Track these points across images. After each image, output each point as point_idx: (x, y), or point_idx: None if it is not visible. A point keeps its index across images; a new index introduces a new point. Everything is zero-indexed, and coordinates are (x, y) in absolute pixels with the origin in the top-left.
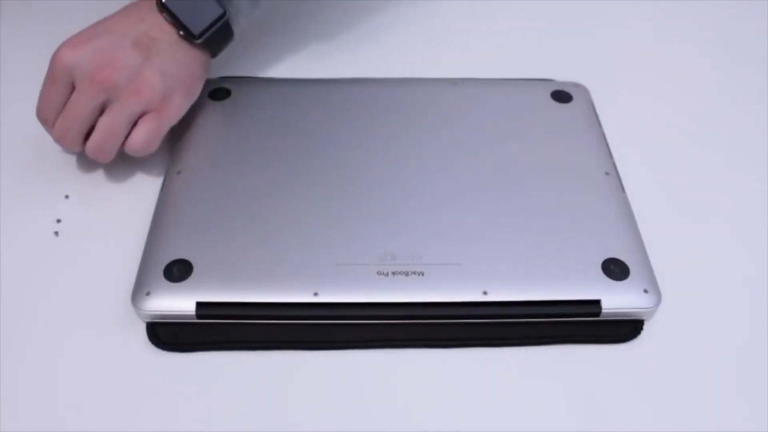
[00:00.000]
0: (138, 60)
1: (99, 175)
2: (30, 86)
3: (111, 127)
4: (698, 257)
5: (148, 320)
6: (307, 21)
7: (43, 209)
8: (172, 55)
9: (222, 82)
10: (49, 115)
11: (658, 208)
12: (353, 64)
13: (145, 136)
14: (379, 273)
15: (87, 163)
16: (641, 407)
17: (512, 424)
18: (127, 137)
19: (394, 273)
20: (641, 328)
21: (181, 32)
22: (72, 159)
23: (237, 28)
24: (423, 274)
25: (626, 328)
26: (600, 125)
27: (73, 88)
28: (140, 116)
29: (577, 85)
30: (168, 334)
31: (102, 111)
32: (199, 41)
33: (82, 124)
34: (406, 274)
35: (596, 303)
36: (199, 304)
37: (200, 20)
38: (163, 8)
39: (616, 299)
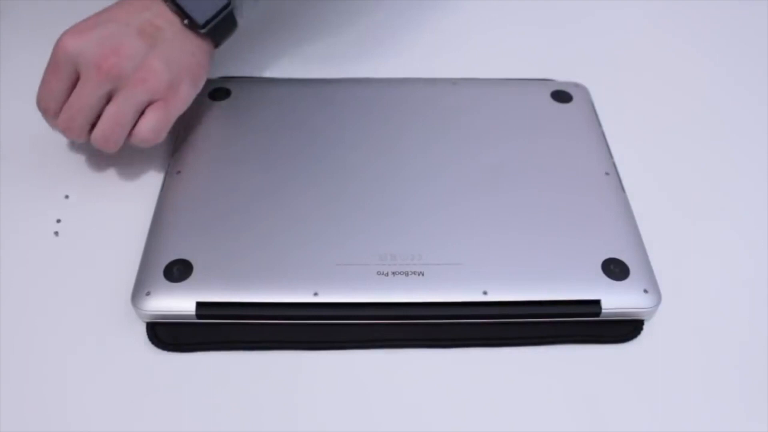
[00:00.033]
0: (143, 48)
1: (99, 175)
2: (30, 86)
3: (118, 116)
4: (698, 257)
5: (148, 320)
6: (307, 21)
7: (43, 209)
8: (177, 44)
9: (222, 82)
10: (50, 104)
11: (658, 208)
12: (353, 64)
13: (153, 126)
14: (379, 273)
15: (87, 163)
16: (641, 407)
17: (512, 424)
18: (133, 127)
19: (394, 273)
20: (641, 328)
21: (186, 21)
22: (72, 159)
23: (241, 19)
24: (423, 274)
25: (626, 328)
26: (600, 125)
27: (76, 77)
28: (146, 105)
29: (577, 85)
30: (168, 334)
31: (107, 100)
32: (203, 31)
33: (88, 113)
34: (406, 274)
35: (596, 303)
36: (199, 304)
37: (205, 10)
38: None
39: (616, 299)
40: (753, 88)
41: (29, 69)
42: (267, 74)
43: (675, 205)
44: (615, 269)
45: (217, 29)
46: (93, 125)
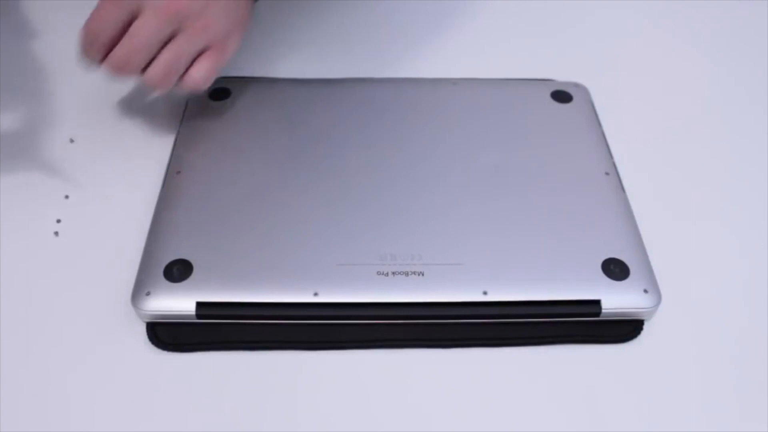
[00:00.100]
0: None
1: (99, 175)
2: (30, 86)
3: (178, 56)
4: (698, 257)
5: (148, 320)
6: (307, 21)
7: (43, 209)
8: None
9: (222, 82)
10: (100, 35)
11: (658, 208)
12: (353, 64)
13: (204, 73)
14: (379, 273)
15: (87, 163)
16: (641, 407)
17: (512, 424)
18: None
19: (394, 273)
20: (641, 328)
21: None
22: (72, 159)
23: None
24: (423, 274)
25: (626, 328)
26: (600, 125)
27: (132, 15)
28: (200, 53)
29: (577, 85)
30: (168, 334)
31: (165, 42)
32: None
33: (148, 51)
34: (406, 274)
35: (596, 303)
36: (199, 304)
37: None
38: None
39: (616, 299)
40: (753, 88)
41: (29, 69)
42: (267, 74)
43: (675, 205)
44: (615, 269)
45: None
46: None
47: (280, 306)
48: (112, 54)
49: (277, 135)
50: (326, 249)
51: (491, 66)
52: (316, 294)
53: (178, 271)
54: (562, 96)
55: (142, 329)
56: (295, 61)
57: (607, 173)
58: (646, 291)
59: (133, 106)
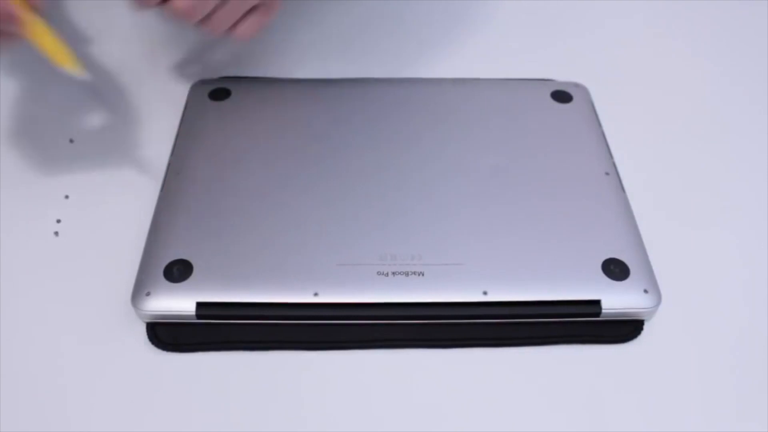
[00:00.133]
0: None
1: (99, 175)
2: (30, 86)
3: (236, 8)
4: (698, 257)
5: (148, 320)
6: (307, 21)
7: (43, 209)
8: None
9: (222, 82)
10: None
11: (658, 208)
12: (353, 64)
13: (254, 28)
14: (379, 273)
15: (87, 163)
16: (641, 407)
17: (512, 424)
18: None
19: (394, 273)
20: (641, 328)
21: None
22: (72, 159)
23: None
24: (423, 275)
25: (626, 328)
26: (600, 125)
27: None
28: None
29: (577, 85)
30: (168, 335)
31: None
32: None
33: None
34: (407, 274)
35: (596, 303)
36: (199, 305)
37: None
38: None
39: (616, 299)
40: (753, 88)
41: (29, 69)
42: (267, 74)
43: (675, 205)
44: (615, 269)
45: None
46: None
47: (280, 306)
48: None
49: (277, 135)
50: (326, 249)
51: (491, 66)
52: (316, 294)
53: (178, 271)
54: (562, 96)
55: (142, 329)
56: (295, 61)
57: (607, 173)
58: (646, 291)
59: (133, 106)
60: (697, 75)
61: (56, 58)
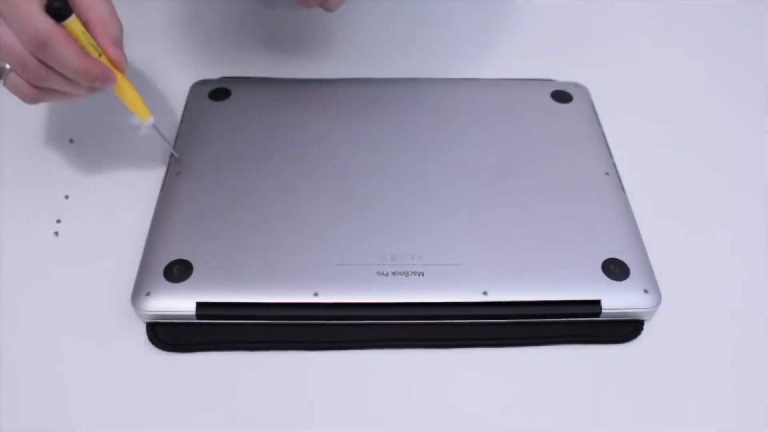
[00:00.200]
0: None
1: (99, 175)
2: None
3: None
4: (698, 257)
5: (148, 320)
6: (307, 21)
7: (43, 209)
8: None
9: (222, 82)
10: None
11: (658, 208)
12: (353, 64)
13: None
14: (379, 273)
15: (87, 163)
16: (641, 407)
17: (512, 424)
18: None
19: (394, 273)
20: (641, 328)
21: None
22: (72, 159)
23: None
24: (423, 275)
25: (626, 328)
26: (600, 125)
27: None
28: None
29: (577, 85)
30: (168, 335)
31: None
32: None
33: None
34: (406, 274)
35: (596, 303)
36: (199, 305)
37: None
38: None
39: (616, 299)
40: (753, 88)
41: None
42: (267, 74)
43: (675, 205)
44: (615, 269)
45: None
46: None
47: (280, 306)
48: None
49: (277, 135)
50: (326, 249)
51: (491, 66)
52: (316, 294)
53: (178, 272)
54: (562, 96)
55: (142, 329)
56: (295, 61)
57: (607, 173)
58: (646, 291)
59: None
60: (697, 75)
61: (135, 111)
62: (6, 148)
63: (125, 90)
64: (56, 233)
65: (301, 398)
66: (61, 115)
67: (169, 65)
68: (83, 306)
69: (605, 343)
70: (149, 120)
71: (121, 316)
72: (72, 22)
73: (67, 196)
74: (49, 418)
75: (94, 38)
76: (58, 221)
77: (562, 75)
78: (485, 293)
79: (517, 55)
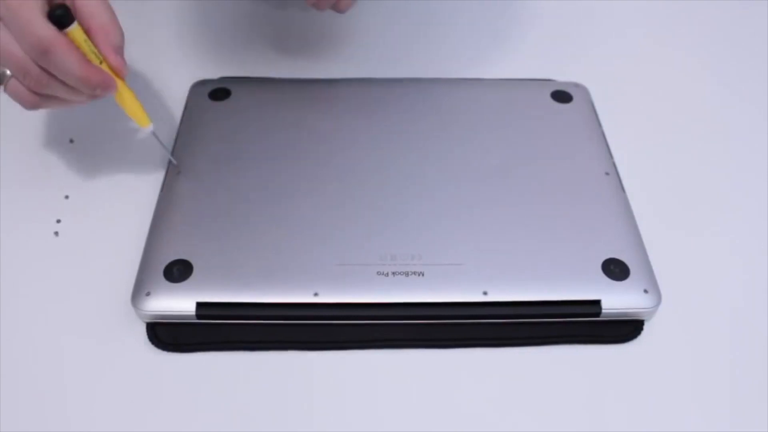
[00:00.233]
0: None
1: (99, 175)
2: None
3: None
4: (698, 257)
5: (148, 320)
6: (307, 21)
7: (43, 209)
8: None
9: (222, 82)
10: None
11: (658, 208)
12: (353, 64)
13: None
14: (379, 273)
15: (87, 163)
16: (641, 407)
17: (512, 424)
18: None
19: (394, 273)
20: (641, 328)
21: None
22: (72, 159)
23: None
24: (423, 275)
25: (626, 328)
26: (600, 125)
27: None
28: None
29: (577, 85)
30: (168, 335)
31: None
32: None
33: None
34: (406, 274)
35: (596, 303)
36: (199, 305)
37: None
38: None
39: (616, 299)
40: (753, 88)
41: None
42: (267, 74)
43: (675, 205)
44: (615, 269)
45: None
46: None
47: (281, 306)
48: None
49: (277, 135)
50: (326, 249)
51: (491, 66)
52: (316, 294)
53: (178, 272)
54: (562, 96)
55: (142, 329)
56: (295, 61)
57: (607, 173)
58: (646, 291)
59: None
60: (697, 75)
61: (135, 118)
62: (6, 148)
63: (125, 97)
64: (56, 233)
65: (301, 398)
66: (61, 116)
67: (169, 65)
68: (83, 306)
69: (605, 343)
70: (149, 127)
71: (121, 316)
72: (74, 29)
73: (67, 196)
74: (49, 418)
75: (96, 45)
76: (58, 221)
77: (562, 75)
78: (485, 293)
79: (517, 55)
